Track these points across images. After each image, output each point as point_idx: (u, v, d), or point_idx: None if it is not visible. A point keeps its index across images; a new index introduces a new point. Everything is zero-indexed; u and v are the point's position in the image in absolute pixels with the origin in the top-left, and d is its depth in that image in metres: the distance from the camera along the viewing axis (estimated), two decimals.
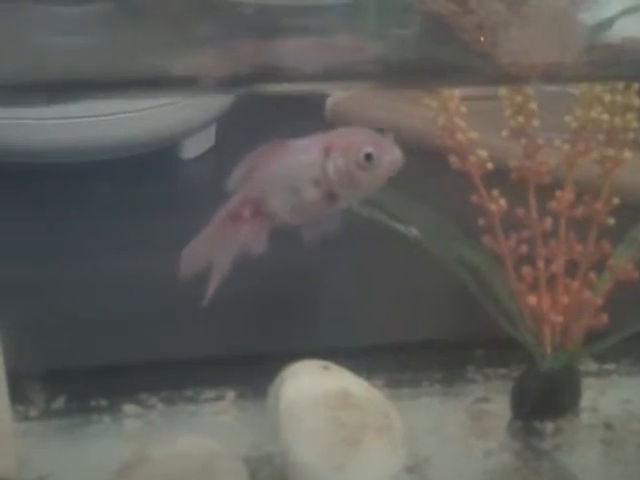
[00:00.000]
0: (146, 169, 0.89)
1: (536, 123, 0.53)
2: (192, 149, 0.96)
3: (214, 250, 0.46)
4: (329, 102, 0.97)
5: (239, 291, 0.65)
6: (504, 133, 0.53)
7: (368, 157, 0.42)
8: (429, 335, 0.63)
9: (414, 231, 0.57)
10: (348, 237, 0.67)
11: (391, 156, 0.42)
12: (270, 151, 0.44)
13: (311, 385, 0.52)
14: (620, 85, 0.55)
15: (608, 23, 0.43)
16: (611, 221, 0.55)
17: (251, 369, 0.59)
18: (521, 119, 0.52)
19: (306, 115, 0.84)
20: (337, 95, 0.97)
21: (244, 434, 0.55)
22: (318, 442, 0.49)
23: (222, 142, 0.98)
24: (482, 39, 0.41)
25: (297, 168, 0.44)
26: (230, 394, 0.59)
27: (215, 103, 0.94)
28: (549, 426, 0.57)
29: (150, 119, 0.88)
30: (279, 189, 0.44)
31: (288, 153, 0.44)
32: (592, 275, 0.56)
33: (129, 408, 0.57)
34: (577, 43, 0.43)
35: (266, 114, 0.76)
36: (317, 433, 0.50)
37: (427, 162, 0.59)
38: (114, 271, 0.67)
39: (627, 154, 0.55)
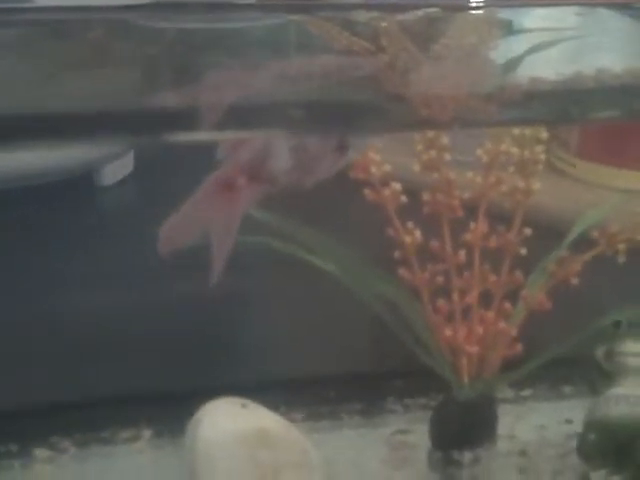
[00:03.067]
0: (61, 197, 0.87)
1: (448, 157, 0.53)
2: (110, 176, 0.95)
3: (206, 222, 0.43)
4: None
5: (153, 326, 0.64)
6: (416, 167, 0.54)
7: None
8: (348, 367, 0.63)
9: (332, 266, 0.57)
10: (264, 271, 0.67)
11: None
12: None
13: (228, 424, 0.51)
14: None
15: (516, 62, 0.43)
16: (523, 251, 0.56)
17: (168, 406, 0.58)
18: (433, 153, 0.53)
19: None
20: None
21: (160, 476, 0.54)
22: None
23: (141, 168, 0.97)
24: (393, 79, 0.41)
25: None
26: (146, 433, 0.58)
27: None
28: (467, 455, 0.57)
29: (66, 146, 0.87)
30: (281, 147, 0.41)
31: None
32: (507, 305, 0.57)
33: (40, 452, 0.56)
34: (487, 83, 0.43)
35: None
36: (233, 474, 0.49)
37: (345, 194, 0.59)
38: (20, 306, 0.66)
39: (536, 185, 0.56)
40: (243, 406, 0.53)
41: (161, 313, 0.64)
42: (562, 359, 0.58)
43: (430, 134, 0.52)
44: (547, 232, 0.58)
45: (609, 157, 0.92)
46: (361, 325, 0.63)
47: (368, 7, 0.37)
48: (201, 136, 0.37)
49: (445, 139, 0.53)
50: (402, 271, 0.56)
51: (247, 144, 0.42)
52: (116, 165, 0.95)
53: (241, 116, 0.37)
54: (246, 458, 0.50)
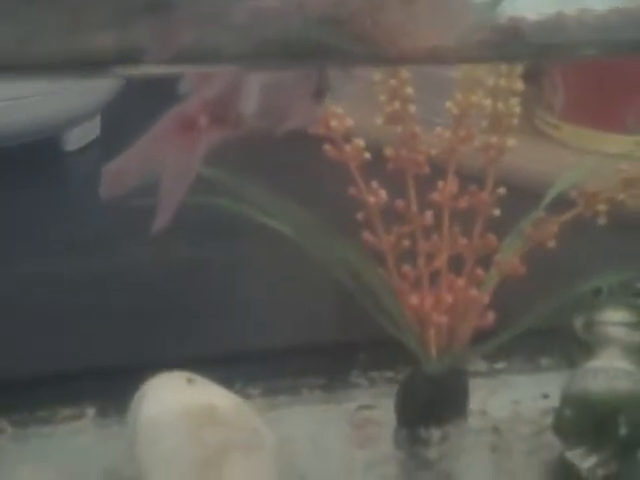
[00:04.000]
0: (26, 161, 0.83)
1: (413, 109, 0.49)
2: (75, 140, 0.91)
3: (157, 164, 0.38)
4: None
5: (97, 299, 0.60)
6: (379, 120, 0.49)
7: None
8: (309, 339, 0.58)
9: (289, 229, 0.52)
10: (215, 235, 0.63)
11: None
12: None
13: (172, 400, 0.47)
14: (503, 69, 0.51)
15: (495, 2, 0.39)
16: (496, 212, 0.52)
17: (114, 382, 0.54)
18: (397, 105, 0.48)
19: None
20: None
21: (103, 457, 0.50)
22: (177, 465, 0.45)
23: (108, 133, 0.93)
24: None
25: None
26: (90, 411, 0.54)
27: (99, 92, 0.89)
28: (435, 433, 0.53)
29: (28, 108, 0.83)
30: (255, 87, 0.37)
31: None
32: (479, 271, 0.52)
33: None
34: (462, 23, 0.39)
35: (156, 102, 0.71)
36: (176, 455, 0.45)
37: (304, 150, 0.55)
38: None
39: (511, 141, 0.52)
40: (189, 381, 0.48)
41: (107, 282, 0.60)
42: (539, 330, 0.54)
43: (393, 83, 0.48)
44: (529, 197, 0.54)
45: (594, 120, 0.87)
46: (323, 293, 0.59)
47: None
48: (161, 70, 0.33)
49: (409, 89, 0.48)
50: (366, 234, 0.52)
51: (214, 79, 0.37)
52: (82, 129, 0.91)
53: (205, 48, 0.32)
54: (190, 436, 0.45)
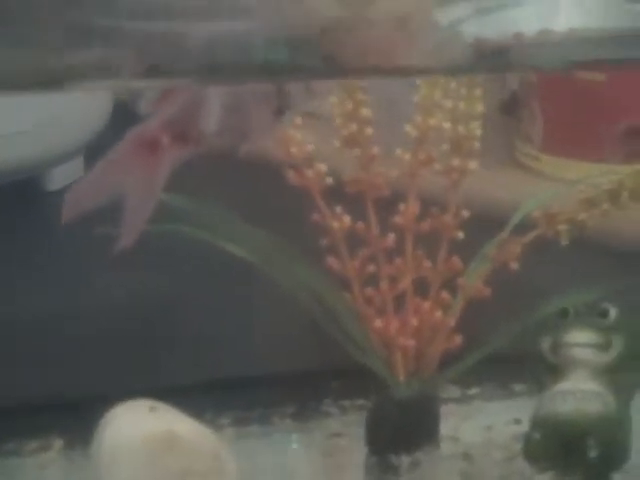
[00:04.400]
0: (7, 200, 0.83)
1: (370, 131, 0.49)
2: (58, 179, 0.91)
3: (120, 185, 0.38)
4: None
5: (65, 329, 0.60)
6: (336, 143, 0.49)
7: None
8: (279, 368, 0.58)
9: (254, 255, 0.52)
10: (181, 264, 0.63)
11: None
12: None
13: (133, 428, 0.47)
14: (462, 92, 0.51)
15: (458, 23, 0.40)
16: (460, 235, 0.52)
17: (81, 414, 0.53)
18: (353, 127, 0.49)
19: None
20: None
21: None
22: None
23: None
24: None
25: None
26: (57, 443, 0.53)
27: (82, 130, 0.89)
28: (405, 460, 0.53)
29: (10, 146, 0.83)
30: (215, 104, 0.37)
31: None
32: (444, 294, 0.52)
33: None
34: (425, 43, 0.40)
35: None
36: None
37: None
38: None
39: (473, 164, 0.52)
40: (152, 409, 0.48)
41: (78, 313, 0.60)
42: (511, 355, 0.53)
43: (349, 106, 0.48)
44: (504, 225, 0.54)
45: (573, 150, 0.88)
46: (291, 321, 0.59)
47: None
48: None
49: (366, 111, 0.48)
50: (330, 259, 0.52)
51: (174, 98, 0.38)
52: (65, 168, 0.91)
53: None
54: (149, 463, 0.45)
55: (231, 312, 0.59)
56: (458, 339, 0.52)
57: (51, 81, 0.33)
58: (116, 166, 0.39)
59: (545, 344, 0.52)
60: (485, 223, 0.53)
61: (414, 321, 0.52)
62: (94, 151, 0.89)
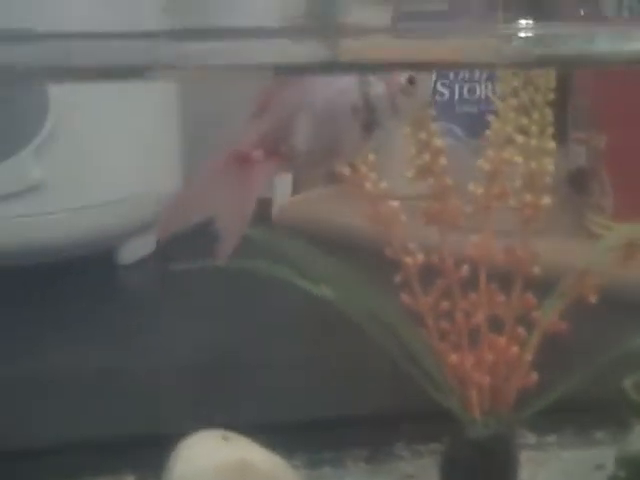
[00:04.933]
0: (80, 274, 0.84)
1: (443, 161, 0.49)
2: (130, 254, 0.92)
3: (214, 201, 0.39)
4: (275, 208, 0.95)
5: (138, 367, 0.60)
6: (409, 174, 0.50)
7: (411, 80, 0.39)
8: (352, 408, 0.57)
9: (325, 290, 0.52)
10: (255, 299, 0.63)
11: (426, 82, 0.39)
12: (290, 83, 0.38)
13: (206, 457, 0.46)
14: (534, 129, 0.52)
15: None
16: (537, 270, 0.51)
17: (154, 449, 0.53)
18: (427, 157, 0.49)
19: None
20: (282, 200, 0.95)
21: None
22: None
23: (163, 247, 0.94)
24: None
25: (332, 95, 0.39)
26: (129, 479, 0.53)
27: (154, 204, 0.91)
28: None
29: (82, 219, 0.85)
30: (307, 120, 0.38)
31: (314, 83, 0.39)
32: (520, 330, 0.51)
33: None
34: None
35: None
36: None
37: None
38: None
39: (546, 200, 0.52)
40: (225, 438, 0.48)
41: (146, 351, 0.60)
42: (592, 398, 0.52)
43: (423, 136, 0.49)
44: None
45: None
46: (365, 362, 0.58)
47: None
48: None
49: (439, 141, 0.49)
50: (404, 296, 0.52)
51: (268, 114, 0.39)
52: (137, 243, 0.93)
53: None
54: None
55: (304, 349, 0.59)
56: (535, 376, 0.51)
57: None
58: (210, 182, 0.40)
59: (628, 383, 0.51)
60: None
61: (489, 357, 0.51)
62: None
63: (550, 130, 0.52)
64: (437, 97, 0.95)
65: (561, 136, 0.99)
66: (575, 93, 0.99)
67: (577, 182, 0.93)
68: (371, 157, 0.51)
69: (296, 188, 0.97)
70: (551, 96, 0.52)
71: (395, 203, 0.52)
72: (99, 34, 0.33)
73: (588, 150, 0.91)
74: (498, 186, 0.51)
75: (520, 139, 0.51)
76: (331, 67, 0.34)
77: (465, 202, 0.51)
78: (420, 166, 0.49)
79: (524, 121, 0.51)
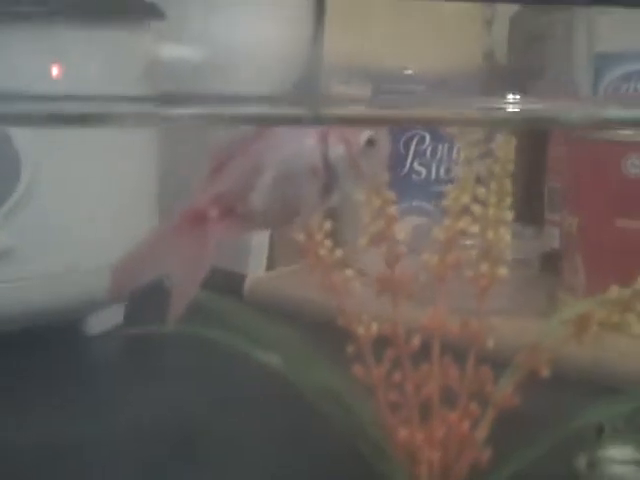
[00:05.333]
0: (43, 345, 0.83)
1: (398, 228, 0.49)
2: (97, 324, 0.91)
3: (167, 260, 0.39)
4: (247, 283, 0.94)
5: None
6: (362, 241, 0.49)
7: (370, 142, 0.39)
8: None
9: (275, 359, 0.51)
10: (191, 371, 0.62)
11: (385, 142, 0.38)
12: (248, 140, 0.38)
13: None
14: (492, 199, 0.52)
15: None
16: (491, 344, 0.50)
17: None
18: (381, 223, 0.49)
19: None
20: (255, 275, 0.95)
21: None
22: None
23: (130, 318, 0.93)
24: None
25: (292, 155, 0.38)
26: None
27: None
28: None
29: (50, 288, 0.84)
30: (265, 180, 0.38)
31: (274, 142, 0.38)
32: (472, 404, 0.50)
33: None
34: None
35: None
36: None
37: None
38: None
39: (502, 270, 0.51)
40: None
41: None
42: (543, 475, 0.50)
43: (377, 203, 0.48)
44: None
45: None
46: (313, 435, 0.56)
47: None
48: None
49: (393, 209, 0.48)
50: (356, 367, 0.51)
51: (224, 174, 0.39)
52: (105, 314, 0.91)
53: None
54: None
55: (256, 423, 0.57)
56: (487, 452, 0.49)
57: None
58: (164, 240, 0.40)
59: (581, 461, 0.49)
60: None
61: (440, 431, 0.49)
62: (137, 296, 0.90)
63: (508, 201, 0.52)
64: (414, 176, 0.96)
65: (538, 218, 1.00)
66: (550, 177, 1.00)
67: (551, 263, 0.93)
68: (327, 224, 0.50)
69: (270, 264, 0.97)
70: (510, 167, 0.52)
71: (349, 271, 0.51)
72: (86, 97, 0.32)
73: (562, 232, 0.91)
74: (453, 256, 0.50)
75: (477, 209, 0.50)
76: (311, 120, 0.34)
77: (420, 272, 0.50)
78: (374, 233, 0.49)
79: (481, 191, 0.51)
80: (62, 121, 0.31)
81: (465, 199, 0.50)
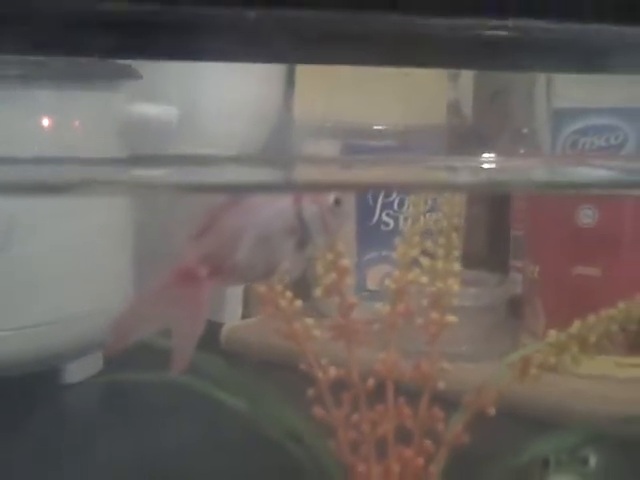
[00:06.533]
0: (22, 392, 0.84)
1: (349, 281, 0.53)
2: (76, 373, 0.92)
3: (165, 315, 0.42)
4: (224, 330, 0.97)
5: None
6: (317, 292, 0.53)
7: (337, 202, 0.44)
8: None
9: (242, 403, 0.55)
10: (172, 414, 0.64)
11: (349, 201, 0.44)
12: (231, 204, 0.43)
13: None
14: (440, 252, 0.55)
15: None
16: (442, 385, 0.54)
17: None
18: (334, 276, 0.52)
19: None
20: (231, 323, 0.98)
21: None
22: None
23: (110, 366, 0.95)
24: None
25: (271, 217, 0.43)
26: None
27: (105, 324, 0.91)
28: None
29: (27, 338, 0.85)
30: (248, 239, 0.43)
31: (254, 205, 0.43)
32: (426, 442, 0.54)
33: None
34: None
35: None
36: None
37: None
38: None
39: (451, 318, 0.55)
40: None
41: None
42: None
43: (330, 257, 0.52)
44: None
45: None
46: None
47: None
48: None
49: (345, 261, 0.52)
50: (316, 409, 0.54)
51: (210, 234, 0.43)
52: (83, 362, 0.93)
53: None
54: None
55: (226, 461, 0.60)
56: None
57: None
58: (159, 296, 0.43)
59: None
60: None
61: (396, 468, 0.53)
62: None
63: (456, 253, 0.56)
64: (382, 227, 0.99)
65: (503, 265, 1.04)
66: (514, 225, 1.04)
67: (514, 308, 0.97)
68: (285, 277, 0.54)
69: (247, 312, 1.00)
70: (456, 221, 0.56)
71: (309, 320, 0.55)
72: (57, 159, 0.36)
73: (524, 278, 0.95)
74: (403, 305, 0.54)
75: (426, 262, 0.54)
76: (283, 187, 0.40)
77: (373, 320, 0.54)
78: (327, 285, 0.52)
79: (429, 245, 0.55)
80: (39, 190, 0.35)
81: (413, 252, 0.54)
